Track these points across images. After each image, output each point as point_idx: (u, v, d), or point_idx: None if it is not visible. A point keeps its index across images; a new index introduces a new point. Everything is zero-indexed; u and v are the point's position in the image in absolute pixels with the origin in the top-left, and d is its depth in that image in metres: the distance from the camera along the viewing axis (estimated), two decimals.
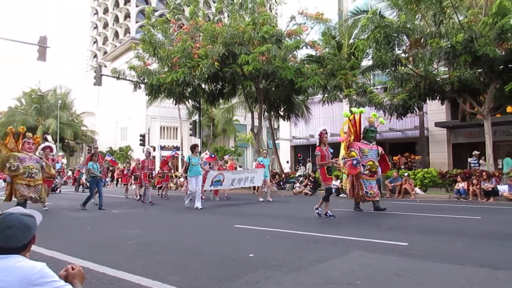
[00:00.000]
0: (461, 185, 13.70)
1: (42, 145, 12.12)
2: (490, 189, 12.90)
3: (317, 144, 8.93)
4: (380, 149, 10.55)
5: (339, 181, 15.57)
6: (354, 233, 6.59)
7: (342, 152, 11.09)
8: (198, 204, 11.29)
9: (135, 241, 6.18)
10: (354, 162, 9.77)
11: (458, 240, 5.90)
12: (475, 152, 17.45)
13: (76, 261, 4.42)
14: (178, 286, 3.68)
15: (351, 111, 10.99)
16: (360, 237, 6.12)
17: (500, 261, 4.52)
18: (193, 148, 12.24)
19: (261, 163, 14.74)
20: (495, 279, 3.84)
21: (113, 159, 20.92)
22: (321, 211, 8.74)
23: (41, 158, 10.39)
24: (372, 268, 4.27)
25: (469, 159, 18.54)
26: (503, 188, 12.99)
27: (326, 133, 8.87)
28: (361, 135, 10.54)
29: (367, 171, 10.04)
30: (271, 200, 13.96)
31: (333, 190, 13.10)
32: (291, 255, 4.94)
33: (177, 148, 38.57)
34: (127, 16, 73.45)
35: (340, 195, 15.16)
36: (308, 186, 17.72)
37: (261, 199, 14.07)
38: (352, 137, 10.44)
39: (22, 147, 10.10)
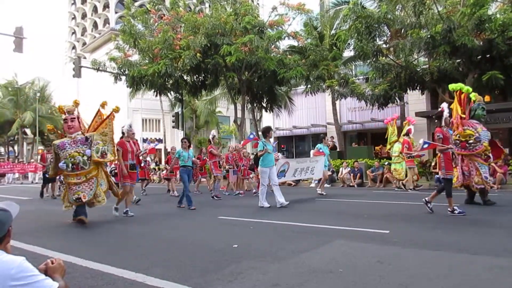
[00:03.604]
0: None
1: (129, 123, 8.97)
2: None
3: (438, 124, 7.57)
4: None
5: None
6: (336, 222, 6.67)
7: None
8: (281, 200, 9.06)
9: (118, 234, 6.13)
10: (477, 140, 8.12)
11: (438, 227, 6.04)
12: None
13: (58, 255, 4.36)
14: (161, 278, 3.67)
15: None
16: (342, 226, 6.19)
17: (478, 247, 4.65)
18: (267, 131, 9.61)
19: (321, 150, 12.33)
20: (474, 263, 3.95)
21: (153, 146, 18.71)
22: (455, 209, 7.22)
23: (87, 140, 7.13)
24: (354, 256, 4.34)
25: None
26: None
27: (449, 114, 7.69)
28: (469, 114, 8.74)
29: (482, 154, 8.40)
30: (324, 193, 11.91)
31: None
32: (274, 245, 4.98)
33: (159, 141, 38.18)
34: (106, 6, 71.98)
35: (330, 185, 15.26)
36: None
37: (322, 192, 11.94)
38: (460, 114, 8.58)
39: (88, 129, 7.50)
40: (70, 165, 6.85)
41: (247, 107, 23.37)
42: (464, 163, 8.39)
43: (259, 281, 3.54)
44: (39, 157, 18.97)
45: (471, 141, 8.18)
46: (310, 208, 9.09)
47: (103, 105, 7.77)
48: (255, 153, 12.13)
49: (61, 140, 7.06)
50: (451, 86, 8.94)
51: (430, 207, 7.52)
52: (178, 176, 13.39)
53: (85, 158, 6.95)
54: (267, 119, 31.53)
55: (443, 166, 7.33)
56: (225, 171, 14.19)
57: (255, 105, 24.06)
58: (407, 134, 13.08)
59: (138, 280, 3.66)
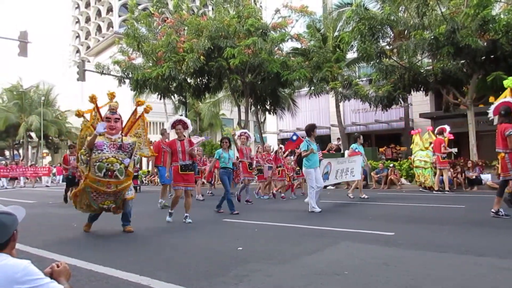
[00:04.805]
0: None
1: (171, 121, 7.85)
2: (474, 177, 13.14)
3: (499, 121, 6.91)
4: None
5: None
6: (341, 224, 6.64)
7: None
8: (315, 207, 8.34)
9: (122, 237, 6.13)
10: None
11: (443, 228, 6.01)
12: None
13: (62, 258, 4.37)
14: (166, 281, 3.67)
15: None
16: (347, 228, 6.17)
17: (484, 248, 4.62)
18: (311, 129, 8.79)
19: (356, 150, 11.54)
20: (480, 265, 3.92)
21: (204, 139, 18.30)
22: (500, 211, 6.85)
23: (131, 146, 6.29)
24: (359, 258, 4.32)
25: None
26: (486, 177, 13.23)
27: None
28: None
29: None
30: (366, 196, 11.00)
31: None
32: (279, 248, 4.97)
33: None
34: (110, 10, 72.34)
35: (327, 187, 15.22)
36: None
37: (351, 195, 11.28)
38: None
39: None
40: (104, 170, 5.97)
41: (250, 109, 23.38)
42: None
43: (264, 284, 3.53)
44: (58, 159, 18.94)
45: None
46: (312, 211, 9.05)
47: (140, 104, 7.13)
48: (298, 153, 11.07)
49: (100, 140, 6.09)
50: (507, 83, 8.01)
51: (502, 213, 6.85)
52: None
53: (123, 167, 6.10)
54: (271, 121, 31.52)
55: (510, 167, 6.69)
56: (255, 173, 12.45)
57: (258, 107, 24.06)
58: (441, 133, 12.69)
59: (143, 283, 3.65)
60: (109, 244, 5.73)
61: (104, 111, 6.55)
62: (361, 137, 11.96)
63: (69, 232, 6.97)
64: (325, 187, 9.55)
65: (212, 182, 15.81)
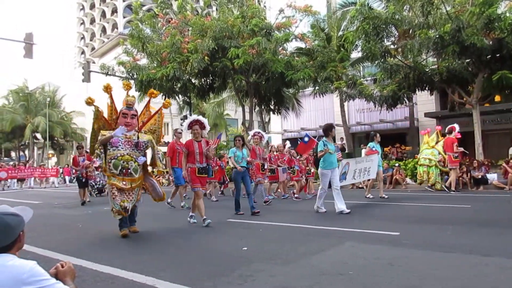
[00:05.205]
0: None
1: (187, 121, 7.42)
2: (479, 177, 13.06)
3: None
4: None
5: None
6: (346, 224, 6.63)
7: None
8: (343, 206, 8.07)
9: (127, 238, 6.15)
10: None
11: (449, 228, 5.98)
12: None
13: (68, 259, 4.38)
14: (171, 281, 3.68)
15: None
16: (352, 228, 6.16)
17: (490, 248, 4.60)
18: (329, 129, 8.46)
19: (374, 148, 11.29)
20: (485, 265, 3.91)
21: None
22: None
23: (146, 144, 6.18)
24: (364, 258, 4.31)
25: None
26: (492, 177, 13.15)
27: None
28: None
29: None
30: (385, 196, 10.75)
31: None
32: (284, 248, 4.97)
33: (167, 144, 38.30)
34: (114, 11, 72.60)
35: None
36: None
37: (370, 196, 10.94)
38: None
39: (117, 121, 6.29)
40: (120, 168, 5.87)
41: (255, 109, 23.38)
42: None
43: (269, 284, 3.53)
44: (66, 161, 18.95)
45: None
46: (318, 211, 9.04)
47: (154, 95, 6.75)
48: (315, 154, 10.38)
49: (115, 136, 5.96)
50: None
51: None
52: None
53: (137, 165, 6.03)
54: (275, 121, 31.51)
55: None
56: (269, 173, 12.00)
57: (263, 107, 24.07)
58: (451, 132, 12.52)
59: (148, 283, 3.67)
60: (114, 245, 5.76)
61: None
62: (378, 135, 11.78)
63: (75, 232, 7.01)
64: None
65: (224, 182, 15.45)
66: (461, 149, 12.48)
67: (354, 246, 4.95)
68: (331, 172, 8.25)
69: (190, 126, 7.21)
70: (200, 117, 7.41)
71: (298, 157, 12.95)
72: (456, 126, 12.80)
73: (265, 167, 11.15)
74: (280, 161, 11.97)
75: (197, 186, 7.09)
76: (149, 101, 6.82)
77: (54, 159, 53.29)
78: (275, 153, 12.20)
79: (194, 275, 3.90)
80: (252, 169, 10.12)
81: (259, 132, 10.94)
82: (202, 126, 7.27)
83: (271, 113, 25.93)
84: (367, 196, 10.92)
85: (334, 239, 5.43)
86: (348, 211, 7.98)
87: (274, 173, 11.87)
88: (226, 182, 15.18)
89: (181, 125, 26.38)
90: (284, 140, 30.20)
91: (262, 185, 10.85)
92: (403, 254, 4.43)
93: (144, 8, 32.72)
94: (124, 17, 67.74)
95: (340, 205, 8.09)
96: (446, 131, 12.83)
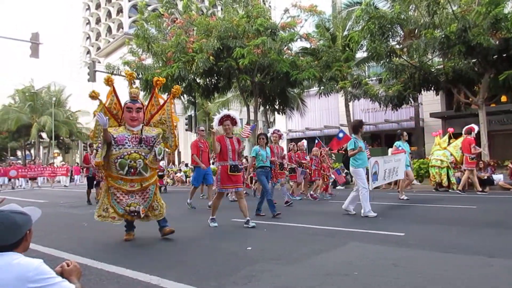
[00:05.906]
0: (457, 175, 13.76)
1: (218, 116, 6.94)
2: (485, 178, 12.97)
3: None
4: None
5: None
6: (351, 224, 6.62)
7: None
8: (369, 211, 7.53)
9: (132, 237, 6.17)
10: None
11: (454, 229, 5.95)
12: None
13: (73, 257, 4.42)
14: (176, 280, 3.69)
15: None
16: (357, 229, 6.15)
17: (495, 249, 4.57)
18: (359, 126, 8.18)
19: (400, 148, 10.82)
20: (490, 266, 3.88)
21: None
22: None
23: (154, 139, 5.63)
24: (369, 259, 4.30)
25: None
26: (498, 177, 13.07)
27: None
28: None
29: None
30: (405, 198, 10.43)
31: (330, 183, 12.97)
32: (288, 248, 4.97)
33: None
34: (120, 11, 72.92)
35: (336, 187, 15.17)
36: None
37: (404, 197, 10.50)
38: None
39: (122, 116, 5.77)
40: (127, 168, 5.39)
41: (259, 109, 23.38)
42: None
43: (273, 284, 3.53)
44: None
45: None
46: (323, 210, 9.03)
47: (160, 83, 6.25)
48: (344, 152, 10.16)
49: (121, 133, 5.47)
50: None
51: None
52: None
53: (148, 160, 5.53)
54: (280, 121, 31.51)
55: None
56: (288, 173, 11.58)
57: (267, 107, 24.07)
58: (470, 132, 12.28)
59: (153, 282, 3.68)
60: (119, 244, 5.77)
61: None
62: (405, 133, 11.37)
63: (80, 231, 7.04)
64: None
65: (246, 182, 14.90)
66: (479, 149, 12.33)
67: (359, 247, 4.94)
68: (364, 170, 7.87)
69: (221, 122, 6.84)
70: (232, 112, 7.03)
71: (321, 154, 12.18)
72: (475, 126, 12.54)
73: (284, 166, 10.60)
74: (300, 162, 11.55)
75: (225, 188, 6.80)
76: (154, 90, 6.33)
77: (60, 158, 53.57)
78: (296, 151, 11.79)
79: (199, 274, 3.90)
80: (275, 170, 9.77)
81: (278, 130, 10.46)
82: (234, 122, 6.93)
83: (275, 113, 25.91)
84: (401, 197, 10.46)
85: (338, 239, 5.42)
86: (374, 214, 7.46)
87: (294, 172, 11.54)
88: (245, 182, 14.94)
89: (186, 124, 26.47)
90: (288, 140, 30.22)
91: (284, 185, 10.53)
92: (408, 255, 4.41)
93: (150, 8, 32.86)
94: (129, 17, 68.01)
95: (350, 206, 7.94)
96: (464, 131, 12.48)
